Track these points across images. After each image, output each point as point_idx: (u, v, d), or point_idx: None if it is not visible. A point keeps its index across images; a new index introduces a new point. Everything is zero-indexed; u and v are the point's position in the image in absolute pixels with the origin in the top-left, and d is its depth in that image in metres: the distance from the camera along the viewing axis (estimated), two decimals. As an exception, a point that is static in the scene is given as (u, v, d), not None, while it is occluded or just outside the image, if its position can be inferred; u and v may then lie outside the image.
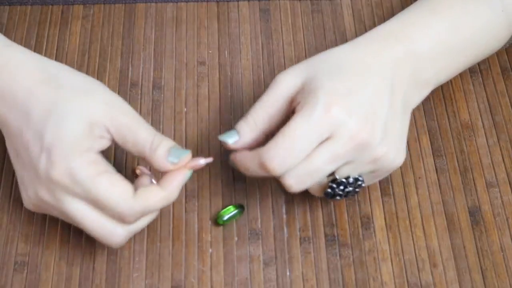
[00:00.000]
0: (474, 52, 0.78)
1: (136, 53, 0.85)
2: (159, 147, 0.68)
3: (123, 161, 0.77)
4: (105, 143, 0.68)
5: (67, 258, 0.72)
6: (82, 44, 0.85)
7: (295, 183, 0.68)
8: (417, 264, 0.72)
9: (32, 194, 0.68)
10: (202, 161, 0.70)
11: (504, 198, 0.76)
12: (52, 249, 0.72)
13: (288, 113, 0.70)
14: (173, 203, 0.75)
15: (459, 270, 0.72)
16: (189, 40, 0.86)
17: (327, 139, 0.67)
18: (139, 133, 0.68)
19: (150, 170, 0.73)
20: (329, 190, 0.70)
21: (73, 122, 0.66)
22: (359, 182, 0.71)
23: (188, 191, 0.76)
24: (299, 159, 0.67)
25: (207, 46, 0.86)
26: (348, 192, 0.71)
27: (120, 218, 0.67)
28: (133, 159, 0.77)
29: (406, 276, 0.72)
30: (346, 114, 0.67)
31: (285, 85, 0.70)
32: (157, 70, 0.84)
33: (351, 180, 0.70)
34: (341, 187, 0.70)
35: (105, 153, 0.69)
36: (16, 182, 0.76)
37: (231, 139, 0.70)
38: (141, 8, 0.88)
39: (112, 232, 0.67)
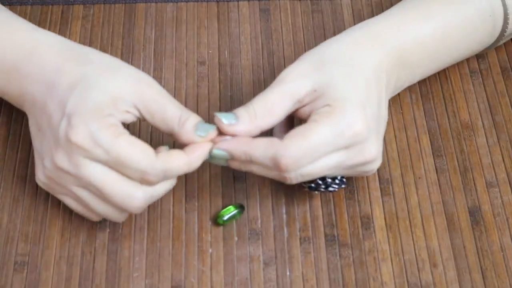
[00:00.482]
0: (456, 56, 0.79)
1: (136, 53, 0.85)
2: (187, 122, 0.68)
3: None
4: (128, 117, 0.68)
5: (67, 258, 0.72)
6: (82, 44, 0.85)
7: (294, 178, 0.68)
8: (417, 264, 0.72)
9: (49, 163, 0.68)
10: (228, 138, 0.69)
11: (504, 198, 0.76)
12: (52, 249, 0.72)
13: (290, 113, 0.70)
14: (173, 203, 0.75)
15: (459, 270, 0.72)
16: (189, 40, 0.86)
17: (340, 149, 0.68)
18: (167, 108, 0.68)
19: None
20: (313, 185, 0.71)
21: (96, 93, 0.67)
22: (343, 185, 0.72)
23: (188, 191, 0.76)
24: (311, 162, 0.68)
25: (207, 46, 0.86)
26: (330, 190, 0.72)
27: (142, 177, 0.66)
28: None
29: (406, 276, 0.72)
30: (367, 131, 0.68)
31: (292, 85, 0.70)
32: (157, 70, 0.84)
33: (337, 181, 0.72)
34: (325, 185, 0.71)
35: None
36: (16, 182, 0.76)
37: (227, 120, 0.69)
38: (141, 8, 0.88)
39: (132, 194, 0.67)
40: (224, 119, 0.68)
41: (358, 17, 0.88)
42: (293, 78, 0.70)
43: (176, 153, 0.67)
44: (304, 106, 0.70)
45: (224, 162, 0.69)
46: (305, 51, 0.85)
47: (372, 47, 0.72)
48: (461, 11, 0.76)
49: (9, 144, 0.78)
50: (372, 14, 0.88)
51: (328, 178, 0.72)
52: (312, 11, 0.89)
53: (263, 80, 0.83)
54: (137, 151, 0.66)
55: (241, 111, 0.69)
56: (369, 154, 0.69)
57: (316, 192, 0.73)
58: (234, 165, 0.69)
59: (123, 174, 0.67)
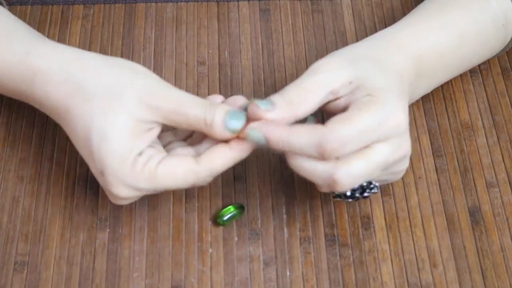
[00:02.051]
0: (469, 65, 0.79)
1: (136, 53, 0.85)
2: (214, 122, 0.66)
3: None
4: (155, 132, 0.68)
5: (67, 257, 0.72)
6: (82, 44, 0.85)
7: (347, 183, 0.66)
8: (417, 264, 0.72)
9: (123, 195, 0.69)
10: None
11: (504, 198, 0.76)
12: (52, 249, 0.72)
13: (323, 104, 0.68)
14: (173, 203, 0.75)
15: (459, 270, 0.72)
16: (189, 40, 0.86)
17: (381, 141, 0.66)
18: (188, 114, 0.66)
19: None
20: (349, 193, 0.69)
21: (114, 142, 0.65)
22: (376, 191, 0.70)
23: (188, 191, 0.76)
24: (353, 151, 0.65)
25: (207, 46, 0.86)
26: (365, 196, 0.70)
27: (194, 185, 0.67)
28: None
29: (406, 276, 0.72)
30: (406, 122, 0.67)
31: (327, 75, 0.67)
32: (157, 70, 0.83)
33: (371, 186, 0.69)
34: (362, 190, 0.69)
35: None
36: (16, 182, 0.76)
37: (264, 106, 0.66)
38: (141, 8, 0.88)
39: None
40: (261, 105, 0.66)
41: (358, 17, 0.88)
42: (327, 69, 0.68)
43: (219, 151, 0.67)
44: (338, 98, 0.68)
45: (261, 146, 0.67)
46: (305, 51, 0.85)
47: (395, 54, 0.72)
48: (477, 21, 0.76)
49: (9, 144, 0.78)
50: (372, 14, 0.88)
51: (365, 182, 0.69)
52: (312, 11, 0.89)
53: (263, 80, 0.83)
54: (179, 175, 0.66)
55: (277, 97, 0.67)
56: (406, 147, 0.68)
57: (351, 200, 0.70)
58: (292, 163, 0.67)
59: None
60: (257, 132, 0.66)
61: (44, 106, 0.70)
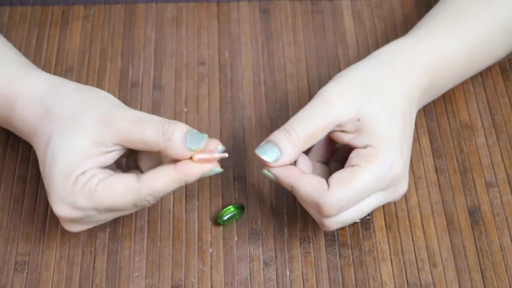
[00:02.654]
0: (475, 72, 0.80)
1: (136, 53, 0.85)
2: (173, 135, 0.65)
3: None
4: (112, 156, 0.67)
5: (67, 257, 0.72)
6: (82, 45, 0.85)
7: (334, 227, 0.69)
8: (417, 264, 0.73)
9: (73, 231, 0.71)
10: (216, 155, 0.66)
11: (504, 198, 0.76)
12: (53, 248, 0.73)
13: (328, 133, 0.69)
14: (173, 203, 0.75)
15: (458, 270, 0.72)
16: (189, 40, 0.86)
17: (376, 192, 0.68)
18: (144, 131, 0.65)
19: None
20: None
21: (61, 160, 0.66)
22: (367, 217, 0.74)
23: (188, 191, 0.76)
24: (352, 207, 0.68)
25: (207, 46, 0.86)
26: (355, 222, 0.73)
27: (137, 206, 0.67)
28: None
29: (406, 276, 0.72)
30: (403, 173, 0.69)
31: (337, 109, 0.67)
32: (157, 70, 0.84)
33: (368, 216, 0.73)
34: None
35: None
36: (17, 183, 0.76)
37: (271, 157, 0.66)
38: (141, 8, 0.88)
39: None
40: (268, 157, 0.66)
41: (358, 17, 0.88)
42: (338, 102, 0.67)
43: (162, 171, 0.66)
44: (342, 131, 0.68)
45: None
46: (305, 51, 0.85)
47: (408, 74, 0.71)
48: (487, 32, 0.76)
49: (9, 144, 0.78)
50: (372, 15, 0.88)
51: None
52: (312, 11, 0.89)
53: (263, 80, 0.83)
54: (117, 192, 0.66)
55: (283, 140, 0.66)
56: (402, 190, 0.70)
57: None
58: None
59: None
60: (269, 173, 0.67)
61: (20, 130, 0.71)
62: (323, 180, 0.67)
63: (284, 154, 0.66)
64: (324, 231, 0.74)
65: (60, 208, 0.66)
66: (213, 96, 0.82)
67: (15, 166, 0.77)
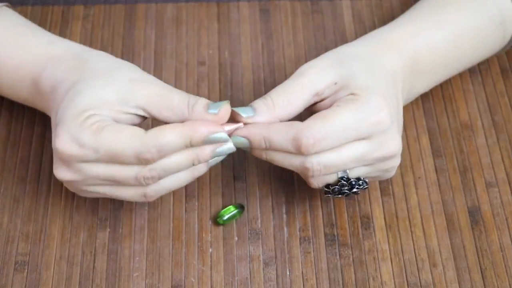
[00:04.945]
0: (467, 63, 0.80)
1: (136, 53, 0.85)
2: (197, 104, 0.67)
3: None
4: (133, 119, 0.68)
5: (67, 257, 0.72)
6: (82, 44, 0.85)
7: (317, 170, 0.68)
8: (417, 263, 0.73)
9: (59, 177, 0.68)
10: (238, 125, 0.68)
11: (504, 198, 0.76)
12: (53, 248, 0.73)
13: (308, 105, 0.70)
14: (173, 203, 0.75)
15: (458, 270, 0.72)
16: (189, 40, 0.86)
17: (362, 138, 0.68)
18: (172, 97, 0.67)
19: None
20: (337, 187, 0.70)
21: (81, 98, 0.67)
22: (366, 186, 0.71)
23: (188, 191, 0.76)
24: (331, 148, 0.67)
25: (207, 46, 0.86)
26: (354, 192, 0.71)
27: (139, 159, 0.66)
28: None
29: (406, 276, 0.72)
30: (390, 120, 0.68)
31: (313, 77, 0.69)
32: (157, 70, 0.84)
33: (360, 182, 0.70)
34: (350, 186, 0.70)
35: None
36: (17, 182, 0.76)
37: (245, 113, 0.68)
38: (141, 8, 0.88)
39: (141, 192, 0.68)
40: (242, 112, 0.68)
41: (358, 17, 0.88)
42: (313, 72, 0.69)
43: (171, 125, 0.67)
44: (324, 99, 0.69)
45: (248, 149, 0.69)
46: (305, 51, 0.85)
47: (387, 52, 0.72)
48: (473, 20, 0.77)
49: (9, 144, 0.78)
50: (372, 15, 0.88)
51: (352, 178, 0.70)
52: (312, 11, 0.89)
53: (263, 80, 0.83)
54: (123, 136, 0.65)
55: (258, 103, 0.69)
56: (392, 146, 0.69)
57: (340, 196, 0.71)
58: (256, 153, 0.69)
59: (123, 164, 0.66)
60: (239, 137, 0.68)
61: (43, 87, 0.71)
62: (297, 121, 0.67)
63: (258, 113, 0.68)
64: (324, 231, 0.74)
65: (62, 140, 0.66)
66: (213, 96, 0.82)
67: (15, 166, 0.77)
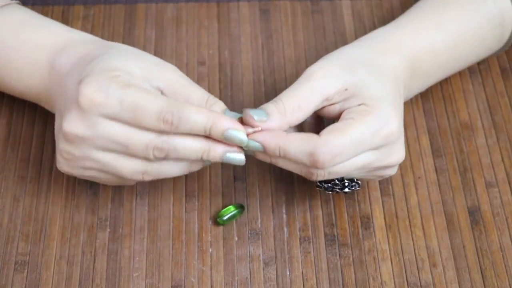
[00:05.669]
0: (465, 63, 0.80)
1: (136, 53, 0.85)
2: (216, 105, 0.68)
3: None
4: None
5: (67, 257, 0.72)
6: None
7: (321, 176, 0.67)
8: (417, 263, 0.73)
9: (62, 137, 0.67)
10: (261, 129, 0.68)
11: (504, 198, 0.76)
12: (53, 248, 0.73)
13: (317, 110, 0.69)
14: (173, 203, 0.75)
15: (458, 270, 0.72)
16: (189, 40, 0.86)
17: (372, 149, 0.68)
18: (193, 91, 0.68)
19: None
20: (329, 184, 0.71)
21: (112, 60, 0.67)
22: (358, 187, 0.72)
23: (188, 191, 0.76)
24: (346, 160, 0.67)
25: (207, 47, 0.86)
26: (345, 192, 0.72)
27: (159, 119, 0.65)
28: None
29: (406, 276, 0.72)
30: (399, 132, 0.68)
31: (323, 82, 0.68)
32: (157, 70, 0.84)
33: (353, 184, 0.71)
34: (342, 186, 0.71)
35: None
36: (17, 182, 0.76)
37: (257, 117, 0.67)
38: (141, 8, 0.88)
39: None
40: (255, 115, 0.67)
41: (358, 18, 0.88)
42: (322, 76, 0.69)
43: (197, 105, 0.67)
44: (333, 104, 0.69)
45: (253, 153, 0.69)
46: (305, 51, 0.85)
47: (389, 55, 0.72)
48: (472, 20, 0.77)
49: (9, 144, 0.78)
50: (372, 15, 0.88)
51: (346, 179, 0.71)
52: (312, 11, 0.89)
53: (263, 80, 0.83)
54: (150, 94, 0.66)
55: (271, 107, 0.68)
56: (397, 156, 0.69)
57: (330, 192, 0.72)
58: (261, 157, 0.68)
59: (140, 126, 0.66)
60: (254, 142, 0.67)
61: (59, 69, 0.71)
62: (314, 134, 0.67)
63: (271, 118, 0.67)
64: (324, 231, 0.74)
65: (89, 87, 0.65)
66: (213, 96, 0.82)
67: (15, 166, 0.77)
